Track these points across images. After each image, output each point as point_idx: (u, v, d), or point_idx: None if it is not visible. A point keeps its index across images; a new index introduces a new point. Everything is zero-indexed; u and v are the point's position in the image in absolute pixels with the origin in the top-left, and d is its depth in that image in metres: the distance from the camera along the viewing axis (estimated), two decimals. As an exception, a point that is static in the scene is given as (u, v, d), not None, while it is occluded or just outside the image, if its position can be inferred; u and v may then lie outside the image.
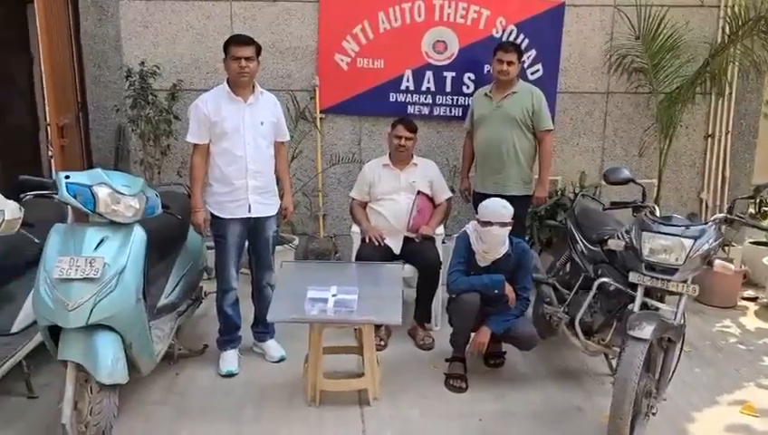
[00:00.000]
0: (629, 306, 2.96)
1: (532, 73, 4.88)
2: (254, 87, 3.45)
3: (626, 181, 3.19)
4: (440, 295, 4.04)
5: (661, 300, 2.97)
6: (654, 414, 2.75)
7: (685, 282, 2.75)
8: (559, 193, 4.81)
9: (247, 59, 3.32)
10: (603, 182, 5.00)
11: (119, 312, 2.71)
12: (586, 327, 3.22)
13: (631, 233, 2.93)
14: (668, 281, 2.74)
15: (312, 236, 5.16)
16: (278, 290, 3.27)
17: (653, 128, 4.97)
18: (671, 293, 2.81)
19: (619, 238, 3.10)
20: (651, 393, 2.71)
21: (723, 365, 3.71)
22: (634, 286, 2.93)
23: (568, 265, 3.87)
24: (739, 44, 4.49)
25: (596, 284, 3.09)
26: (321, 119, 4.98)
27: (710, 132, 5.07)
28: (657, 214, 2.97)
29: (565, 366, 3.67)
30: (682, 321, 2.78)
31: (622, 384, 2.56)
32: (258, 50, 3.41)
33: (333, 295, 3.05)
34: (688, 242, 2.70)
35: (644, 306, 2.89)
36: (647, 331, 2.58)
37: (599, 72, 5.01)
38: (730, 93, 4.95)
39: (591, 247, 3.45)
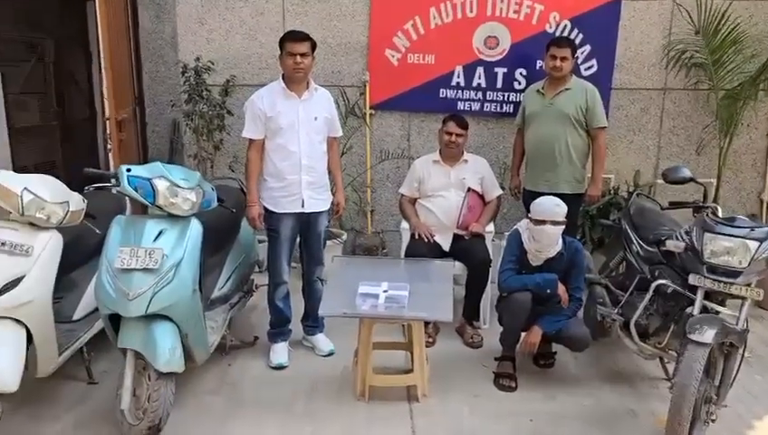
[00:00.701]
0: (688, 310, 2.88)
1: (586, 69, 4.78)
2: (308, 83, 3.47)
3: (686, 181, 3.11)
4: (489, 293, 4.00)
5: (722, 304, 2.88)
6: (713, 421, 2.67)
7: (748, 285, 2.66)
8: (612, 192, 4.71)
9: (303, 55, 3.35)
10: (658, 181, 4.95)
11: (176, 302, 2.78)
12: (641, 330, 3.14)
13: (692, 234, 2.84)
14: (731, 284, 2.65)
15: (359, 231, 5.18)
16: (329, 285, 3.29)
17: (712, 125, 4.81)
18: (733, 296, 2.72)
19: (677, 239, 3.02)
20: (711, 400, 2.64)
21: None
22: (693, 289, 2.85)
23: (621, 266, 3.79)
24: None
25: (653, 286, 3.01)
26: (370, 115, 4.98)
27: (772, 131, 4.89)
28: (720, 215, 2.88)
29: (617, 369, 3.60)
30: (744, 325, 2.68)
31: (681, 389, 2.49)
32: (313, 46, 3.43)
33: (384, 291, 3.05)
34: (753, 244, 2.61)
35: (703, 310, 2.81)
36: (708, 335, 2.51)
37: (655, 68, 4.87)
38: (794, 91, 4.75)
39: (648, 248, 3.37)
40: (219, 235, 3.55)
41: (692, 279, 2.78)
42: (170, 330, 2.79)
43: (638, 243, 3.47)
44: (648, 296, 3.04)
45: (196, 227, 2.94)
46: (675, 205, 3.21)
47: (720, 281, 2.68)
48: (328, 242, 4.50)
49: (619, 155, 4.97)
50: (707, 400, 2.62)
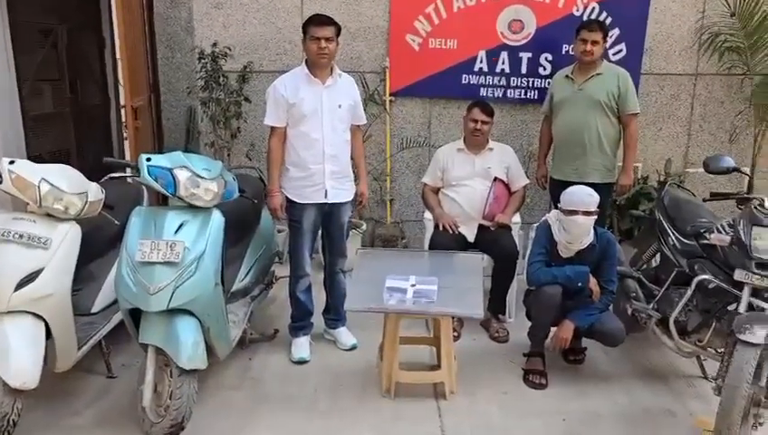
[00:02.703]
0: (731, 307, 2.75)
1: (614, 54, 4.62)
2: (332, 69, 3.35)
3: (730, 171, 2.97)
4: (515, 286, 3.89)
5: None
6: (761, 425, 2.54)
7: (798, 282, 2.53)
8: (641, 181, 4.56)
9: (327, 39, 3.22)
10: (688, 170, 4.80)
11: (198, 296, 2.69)
12: (680, 327, 3.02)
13: (738, 227, 2.70)
14: (782, 281, 2.52)
15: (379, 221, 5.07)
16: (355, 278, 3.18)
17: (746, 112, 4.65)
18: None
19: (720, 232, 2.88)
20: (760, 403, 2.51)
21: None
22: (738, 285, 2.72)
23: (655, 259, 3.65)
24: None
25: (695, 281, 2.88)
26: (390, 101, 4.86)
27: (809, 117, 4.71)
28: (766, 206, 2.73)
29: (650, 366, 3.48)
30: (794, 324, 2.54)
31: (731, 392, 2.37)
32: (338, 30, 3.30)
33: (413, 285, 2.95)
34: (806, 239, 2.47)
35: (749, 307, 2.68)
36: (759, 335, 2.38)
37: (687, 53, 4.71)
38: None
39: (685, 241, 3.24)
40: (240, 226, 3.45)
41: (738, 275, 2.65)
42: (192, 325, 2.69)
43: (675, 235, 3.33)
44: (689, 292, 2.91)
45: (217, 219, 2.84)
46: (717, 196, 3.07)
47: (770, 277, 2.54)
48: (348, 232, 4.41)
49: (647, 143, 4.82)
50: (756, 402, 2.49)
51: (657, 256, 3.62)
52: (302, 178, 3.35)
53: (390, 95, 4.84)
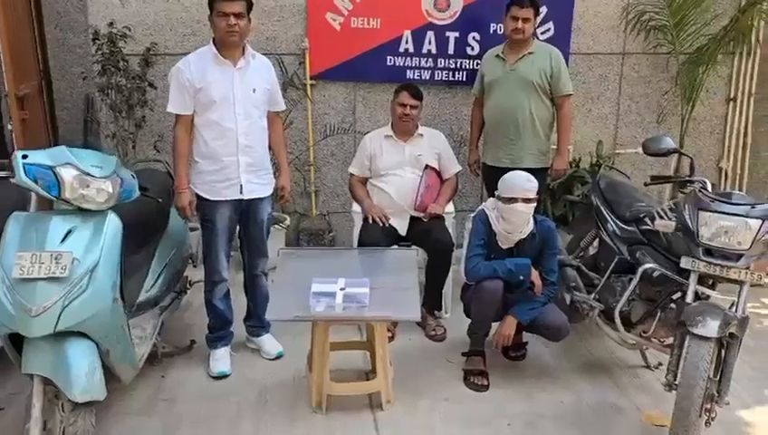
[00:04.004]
0: (676, 295, 2.63)
1: (542, 33, 4.46)
2: (244, 49, 2.99)
3: (670, 152, 2.84)
4: (450, 278, 3.67)
5: (712, 287, 2.63)
6: (713, 419, 2.42)
7: (747, 268, 2.40)
8: (574, 164, 4.44)
9: (237, 15, 2.85)
10: (617, 151, 4.73)
11: (92, 316, 2.30)
12: (623, 317, 2.88)
13: (683, 212, 2.56)
14: (730, 268, 2.39)
15: (303, 214, 4.75)
16: (277, 283, 2.87)
17: (672, 91, 4.60)
18: (729, 280, 2.46)
19: (662, 217, 2.75)
20: (713, 397, 2.38)
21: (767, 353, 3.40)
22: (683, 272, 2.59)
23: (593, 246, 3.52)
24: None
25: (639, 270, 2.73)
26: (311, 85, 4.51)
27: (731, 96, 4.72)
28: (709, 189, 2.60)
29: (593, 357, 3.35)
30: (744, 312, 2.43)
31: (688, 391, 2.22)
32: (249, 5, 2.93)
33: (342, 289, 2.66)
34: (755, 223, 2.34)
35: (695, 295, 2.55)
36: (711, 328, 2.24)
37: (614, 31, 4.61)
38: (754, 54, 4.58)
39: (625, 227, 3.10)
40: (144, 228, 3.06)
41: (684, 263, 2.51)
42: (87, 349, 2.30)
43: (614, 221, 3.20)
44: (633, 282, 2.76)
45: (113, 223, 2.45)
46: (658, 179, 2.94)
47: (718, 265, 2.41)
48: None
49: (577, 124, 4.70)
50: (709, 397, 2.36)
51: (596, 241, 3.49)
52: (213, 173, 2.99)
53: (311, 79, 4.50)
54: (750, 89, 4.66)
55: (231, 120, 2.94)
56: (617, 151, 4.70)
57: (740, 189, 4.83)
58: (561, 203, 4.28)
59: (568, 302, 3.29)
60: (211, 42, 2.99)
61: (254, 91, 2.99)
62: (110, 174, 2.46)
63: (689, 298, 2.51)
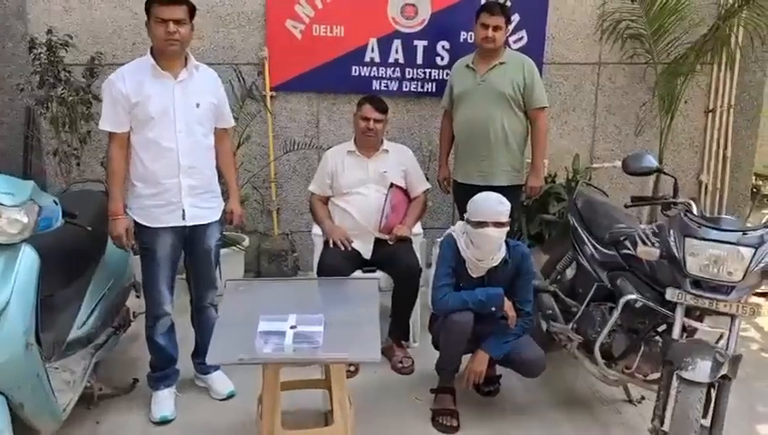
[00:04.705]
0: (661, 327, 2.39)
1: (515, 42, 4.24)
2: (186, 59, 2.70)
3: (652, 172, 2.61)
4: (418, 303, 3.41)
5: (699, 319, 2.40)
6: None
7: (739, 301, 2.18)
8: (549, 180, 4.21)
9: (177, 22, 2.56)
10: (594, 165, 4.52)
11: (1, 365, 1.99)
12: (604, 350, 2.64)
13: (667, 237, 2.32)
14: (721, 302, 2.16)
15: (264, 234, 4.45)
16: (221, 320, 2.57)
17: (651, 102, 4.41)
18: (720, 313, 2.23)
19: (644, 242, 2.52)
20: (702, 444, 2.15)
21: (753, 382, 3.18)
22: (667, 303, 2.36)
23: (570, 270, 3.28)
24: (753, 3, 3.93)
25: (621, 302, 2.49)
26: (271, 97, 4.24)
27: (710, 107, 4.54)
28: (695, 212, 2.37)
29: (571, 392, 3.10)
30: (735, 350, 2.20)
31: (679, 444, 1.99)
32: (191, 11, 2.65)
33: (292, 327, 2.36)
34: (747, 252, 2.11)
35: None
36: (703, 371, 2.01)
37: (589, 40, 4.41)
38: (733, 63, 4.41)
39: (604, 250, 2.87)
40: (75, 259, 2.74)
41: (670, 295, 2.27)
42: (-6, 405, 2.00)
43: (592, 244, 2.96)
44: (615, 315, 2.52)
45: (28, 257, 2.15)
46: (639, 201, 2.71)
47: (707, 298, 2.18)
48: (226, 250, 3.79)
49: (552, 138, 4.46)
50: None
51: (573, 264, 3.25)
52: (152, 197, 2.69)
53: (271, 90, 4.23)
54: (729, 100, 4.48)
55: (171, 138, 2.65)
56: (594, 166, 4.49)
57: (720, 204, 4.65)
58: (536, 221, 4.04)
59: (544, 329, 3.05)
60: (149, 51, 2.70)
61: (197, 105, 2.70)
62: (24, 201, 2.15)
63: (675, 333, 2.27)
